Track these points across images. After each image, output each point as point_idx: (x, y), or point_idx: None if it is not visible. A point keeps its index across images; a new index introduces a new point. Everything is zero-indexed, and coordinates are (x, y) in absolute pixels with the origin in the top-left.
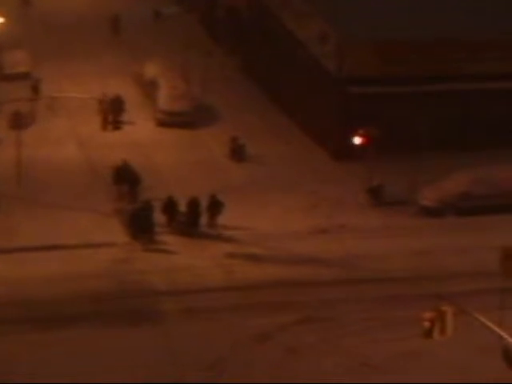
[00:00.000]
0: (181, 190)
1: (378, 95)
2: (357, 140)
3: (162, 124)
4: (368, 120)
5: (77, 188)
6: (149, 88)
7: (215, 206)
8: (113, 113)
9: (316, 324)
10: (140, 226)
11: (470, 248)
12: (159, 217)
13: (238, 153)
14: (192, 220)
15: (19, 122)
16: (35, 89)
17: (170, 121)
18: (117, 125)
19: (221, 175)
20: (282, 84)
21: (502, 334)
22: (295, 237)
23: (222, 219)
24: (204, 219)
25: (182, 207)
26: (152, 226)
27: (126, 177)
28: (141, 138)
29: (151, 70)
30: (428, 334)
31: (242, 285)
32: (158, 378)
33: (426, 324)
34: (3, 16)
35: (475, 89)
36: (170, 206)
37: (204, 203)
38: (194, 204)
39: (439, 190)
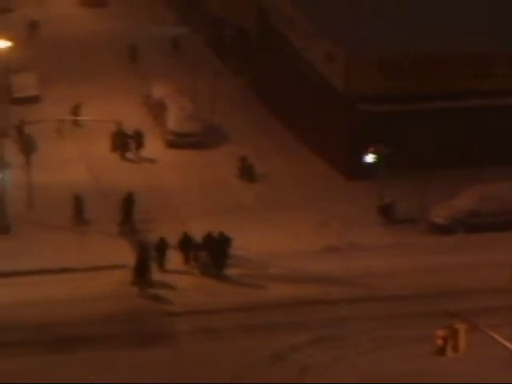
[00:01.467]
0: (191, 210)
1: (386, 113)
2: (368, 158)
3: (171, 145)
4: (378, 138)
5: (87, 210)
6: (157, 109)
7: (225, 243)
8: (135, 147)
9: (328, 343)
10: (137, 269)
11: (480, 265)
12: (175, 254)
13: (247, 173)
14: (216, 261)
15: (29, 145)
16: (75, 112)
17: (179, 142)
18: (127, 146)
19: (230, 195)
20: (291, 103)
21: None
22: (306, 255)
23: (235, 241)
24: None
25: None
26: (148, 270)
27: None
28: (151, 159)
29: (159, 91)
30: (441, 351)
31: (255, 305)
32: None
33: (439, 342)
34: (12, 39)
35: (484, 105)
36: (185, 243)
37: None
38: (211, 240)
39: (449, 207)
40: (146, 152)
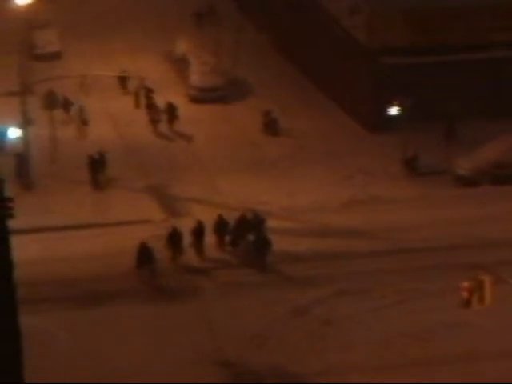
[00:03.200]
0: (216, 164)
1: (410, 65)
2: (391, 111)
3: (194, 100)
4: (401, 90)
5: (112, 166)
6: (180, 65)
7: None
8: (168, 120)
9: (352, 296)
10: (142, 257)
11: (506, 217)
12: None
13: (271, 127)
14: (259, 248)
15: (52, 101)
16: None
17: (203, 96)
18: (150, 101)
19: (254, 149)
20: (314, 57)
21: None
22: (330, 209)
23: (257, 194)
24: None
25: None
26: (152, 259)
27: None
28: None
29: (181, 46)
30: (467, 303)
31: (279, 259)
32: (196, 354)
33: (465, 294)
34: None
35: (508, 57)
36: (221, 226)
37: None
38: (245, 223)
39: (474, 159)
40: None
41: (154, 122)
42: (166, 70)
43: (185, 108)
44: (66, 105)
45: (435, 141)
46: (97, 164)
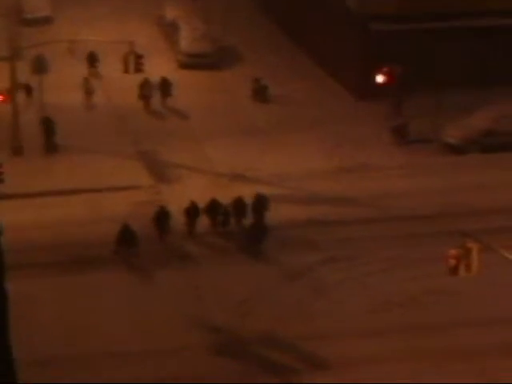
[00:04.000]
0: (205, 131)
1: (400, 32)
2: (380, 78)
3: (183, 66)
4: (391, 58)
5: (100, 132)
6: (170, 30)
7: (261, 205)
8: (161, 96)
9: (340, 263)
10: (123, 239)
11: (494, 185)
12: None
13: (260, 94)
14: (256, 234)
15: (42, 66)
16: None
17: (192, 62)
18: (139, 67)
19: (244, 116)
20: (304, 24)
21: None
22: (319, 176)
23: (246, 160)
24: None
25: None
26: (134, 240)
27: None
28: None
29: (172, 12)
30: (454, 271)
31: (267, 225)
32: (184, 320)
33: (452, 261)
34: None
35: (499, 25)
36: (213, 208)
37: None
38: (241, 206)
39: (463, 127)
40: (158, 73)
41: (145, 97)
42: (155, 35)
43: (174, 74)
44: (92, 61)
45: (424, 109)
46: (48, 128)
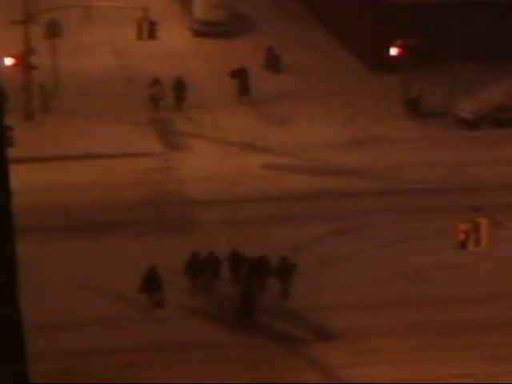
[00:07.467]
0: (216, 100)
1: (415, 4)
2: (394, 51)
3: (197, 34)
4: (406, 30)
5: (113, 98)
6: None
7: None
8: (175, 97)
9: (350, 234)
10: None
11: (506, 160)
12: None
13: (273, 63)
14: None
15: (55, 31)
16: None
17: (206, 30)
18: (153, 33)
19: (256, 85)
20: None
21: None
22: (331, 148)
23: (257, 130)
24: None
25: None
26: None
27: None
28: (176, 47)
29: None
30: (463, 245)
31: (278, 195)
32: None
33: (461, 235)
34: None
35: None
36: (235, 261)
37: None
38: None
39: (476, 101)
40: (172, 41)
41: (155, 99)
42: (169, 2)
43: (187, 41)
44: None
45: (438, 82)
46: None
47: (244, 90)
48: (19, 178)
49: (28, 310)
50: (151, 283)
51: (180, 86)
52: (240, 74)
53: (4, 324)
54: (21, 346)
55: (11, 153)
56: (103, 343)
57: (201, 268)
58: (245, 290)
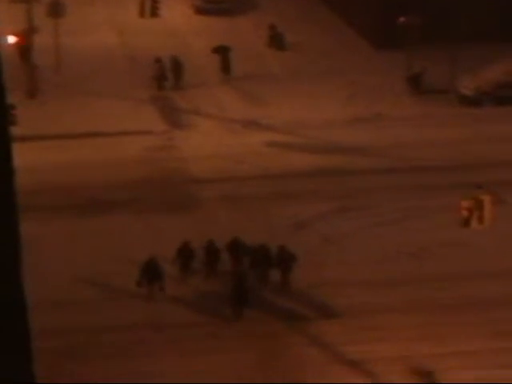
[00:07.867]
0: (219, 77)
1: None
2: (397, 28)
3: (199, 11)
4: (409, 8)
5: (115, 76)
6: None
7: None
8: (173, 75)
9: (352, 212)
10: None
11: (508, 137)
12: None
13: (276, 41)
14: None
15: (58, 10)
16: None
17: (208, 8)
18: (155, 11)
19: (259, 63)
20: None
21: None
22: (333, 126)
23: (260, 107)
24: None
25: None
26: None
27: None
28: (179, 25)
29: None
30: (466, 223)
31: (281, 173)
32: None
33: (464, 213)
34: None
35: None
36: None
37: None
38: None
39: (478, 78)
40: (174, 18)
41: (159, 79)
42: None
43: (190, 19)
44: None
45: (440, 60)
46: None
47: (226, 68)
48: (22, 156)
49: (30, 286)
50: (150, 275)
51: (176, 65)
52: (222, 52)
53: (8, 302)
54: (25, 323)
55: (14, 131)
56: (106, 321)
57: (192, 255)
58: (238, 281)
